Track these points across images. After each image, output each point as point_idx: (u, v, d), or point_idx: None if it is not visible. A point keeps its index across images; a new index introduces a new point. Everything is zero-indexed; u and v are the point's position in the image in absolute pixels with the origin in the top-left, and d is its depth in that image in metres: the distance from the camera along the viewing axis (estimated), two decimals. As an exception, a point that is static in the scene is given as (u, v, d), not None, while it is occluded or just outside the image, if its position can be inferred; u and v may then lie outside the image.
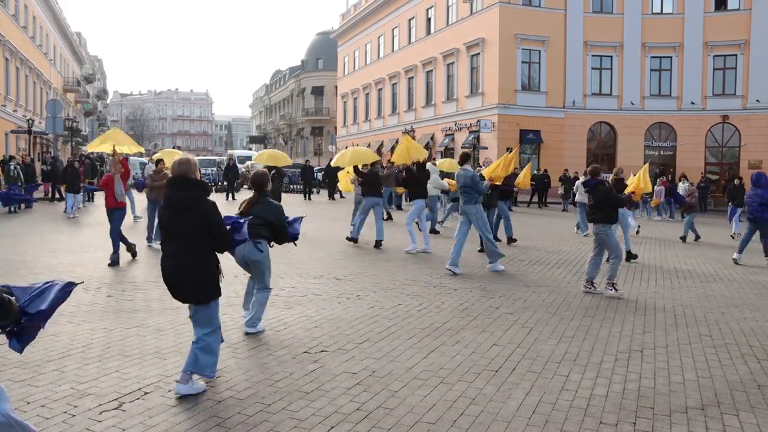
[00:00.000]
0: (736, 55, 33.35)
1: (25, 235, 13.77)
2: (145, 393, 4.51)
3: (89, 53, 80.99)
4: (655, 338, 6.36)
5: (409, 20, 42.26)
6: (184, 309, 7.09)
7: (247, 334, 6.08)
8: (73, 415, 4.09)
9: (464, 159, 10.38)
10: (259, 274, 6.14)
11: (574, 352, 5.79)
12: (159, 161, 13.48)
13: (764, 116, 32.39)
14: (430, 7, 39.47)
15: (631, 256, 11.83)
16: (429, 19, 39.92)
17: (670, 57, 34.12)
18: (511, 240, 13.76)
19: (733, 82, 33.55)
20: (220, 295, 4.66)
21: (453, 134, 36.83)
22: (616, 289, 8.48)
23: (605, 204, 8.54)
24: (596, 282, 8.73)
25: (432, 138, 38.57)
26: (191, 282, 4.51)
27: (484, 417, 4.24)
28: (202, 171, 32.82)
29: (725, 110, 33.46)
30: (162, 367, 5.08)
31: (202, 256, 4.55)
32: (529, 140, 33.28)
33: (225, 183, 28.69)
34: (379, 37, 47.02)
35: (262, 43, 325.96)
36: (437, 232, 15.12)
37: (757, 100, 32.67)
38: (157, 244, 11.34)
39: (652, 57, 34.23)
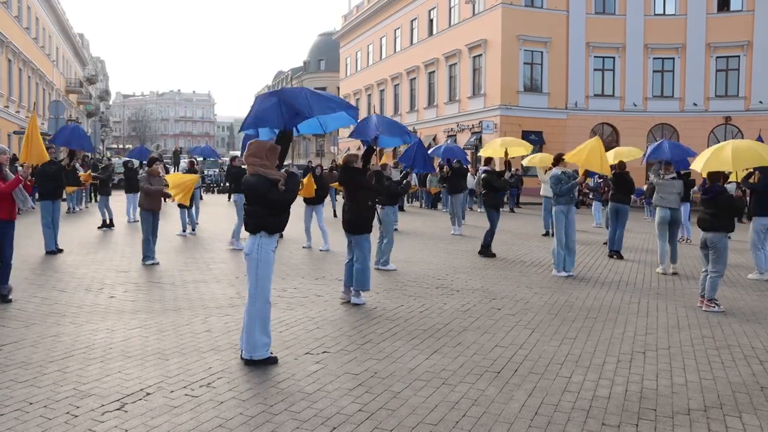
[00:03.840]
0: (738, 56, 33.29)
1: (26, 236, 13.78)
2: (147, 394, 4.51)
3: (92, 54, 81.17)
4: (658, 340, 6.35)
5: (411, 21, 42.27)
6: (185, 309, 7.11)
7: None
8: (76, 416, 4.09)
9: (558, 159, 10.52)
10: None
11: (577, 354, 5.78)
12: (153, 160, 11.11)
13: (767, 117, 32.33)
14: (432, 8, 39.48)
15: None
16: (431, 20, 39.92)
17: (673, 58, 34.08)
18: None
19: (735, 83, 33.50)
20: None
21: (455, 135, 36.83)
22: (718, 306, 7.82)
23: (730, 212, 7.87)
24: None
25: (434, 139, 38.55)
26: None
27: (486, 418, 4.23)
28: (205, 172, 32.85)
29: (728, 112, 33.41)
30: (164, 367, 5.09)
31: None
32: (532, 141, 33.05)
33: (227, 184, 28.45)
34: (381, 38, 47.03)
35: (264, 44, 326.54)
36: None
37: (760, 102, 32.61)
38: (150, 261, 10.20)
39: (654, 58, 34.19)
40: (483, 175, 12.40)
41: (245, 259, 5.32)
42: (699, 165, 8.88)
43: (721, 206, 7.76)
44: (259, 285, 5.25)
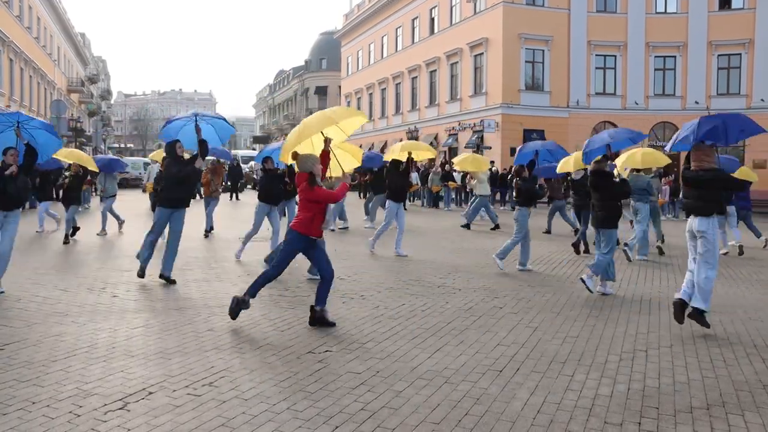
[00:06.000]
0: (740, 54, 33.25)
1: (29, 236, 13.82)
2: (150, 393, 4.51)
3: (93, 54, 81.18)
4: (660, 338, 6.35)
5: (413, 20, 42.25)
6: (187, 309, 7.12)
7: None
8: (78, 415, 4.10)
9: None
10: None
11: (579, 352, 5.78)
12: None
13: (769, 115, 32.32)
14: (434, 7, 39.46)
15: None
16: (432, 19, 39.91)
17: (674, 56, 34.04)
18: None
19: (737, 81, 33.45)
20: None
21: (456, 134, 36.81)
22: None
23: None
24: None
25: (436, 138, 38.57)
26: None
27: (488, 417, 4.23)
28: (204, 170, 32.70)
29: (730, 110, 33.18)
30: (166, 367, 5.09)
31: None
32: (533, 140, 33.20)
33: (229, 183, 28.29)
34: (382, 37, 47.01)
35: (265, 43, 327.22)
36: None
37: (762, 100, 32.54)
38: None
39: (656, 56, 34.15)
40: (584, 177, 11.82)
41: (700, 237, 6.41)
42: None
43: None
44: (715, 254, 6.49)
